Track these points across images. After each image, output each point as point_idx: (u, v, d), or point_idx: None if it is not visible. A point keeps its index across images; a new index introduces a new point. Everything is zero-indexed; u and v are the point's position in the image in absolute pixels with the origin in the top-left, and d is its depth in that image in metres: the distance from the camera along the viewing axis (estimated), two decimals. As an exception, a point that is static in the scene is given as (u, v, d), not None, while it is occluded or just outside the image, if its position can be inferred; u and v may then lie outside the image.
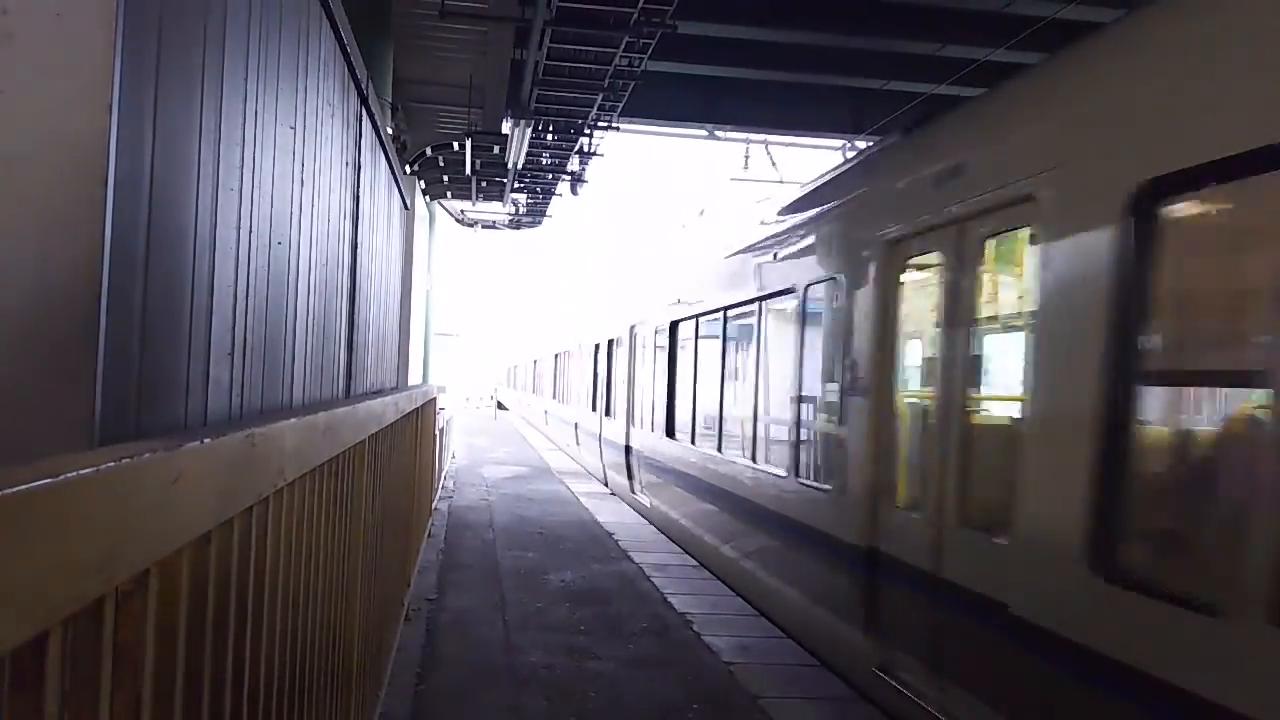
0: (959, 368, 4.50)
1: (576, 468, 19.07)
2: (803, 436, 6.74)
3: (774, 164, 20.23)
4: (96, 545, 1.01)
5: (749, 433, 8.17)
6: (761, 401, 7.89)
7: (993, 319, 4.56)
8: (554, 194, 21.56)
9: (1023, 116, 4.39)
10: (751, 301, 8.05)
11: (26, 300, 2.13)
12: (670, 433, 11.09)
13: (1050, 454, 3.70)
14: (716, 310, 9.28)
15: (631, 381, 14.01)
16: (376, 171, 8.34)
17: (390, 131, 10.58)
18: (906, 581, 4.78)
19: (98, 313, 2.21)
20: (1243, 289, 3.28)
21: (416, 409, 6.91)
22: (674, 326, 11.16)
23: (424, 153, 15.25)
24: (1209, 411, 3.52)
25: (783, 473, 6.95)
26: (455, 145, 15.25)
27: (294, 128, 4.45)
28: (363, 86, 6.97)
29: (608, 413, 15.75)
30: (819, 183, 7.25)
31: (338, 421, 2.79)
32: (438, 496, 12.62)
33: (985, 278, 4.49)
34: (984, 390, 4.58)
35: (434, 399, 10.17)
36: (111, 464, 1.03)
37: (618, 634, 6.68)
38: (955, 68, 14.39)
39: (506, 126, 14.70)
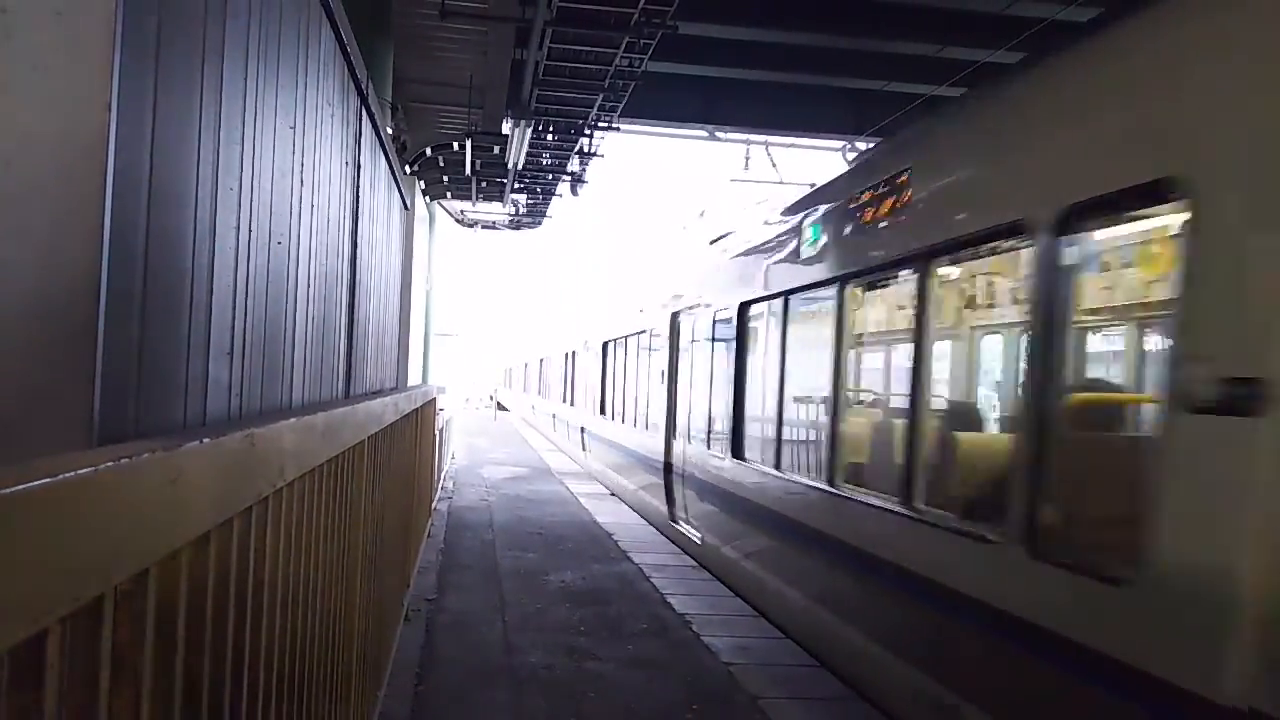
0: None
1: (576, 468, 19.06)
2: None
3: (774, 165, 20.24)
4: (95, 545, 1.01)
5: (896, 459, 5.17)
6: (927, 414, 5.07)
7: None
8: (554, 194, 21.56)
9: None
10: (896, 266, 5.37)
11: (26, 299, 2.13)
12: (738, 452, 8.09)
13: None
14: (827, 284, 6.25)
15: (675, 382, 10.76)
16: (376, 171, 8.34)
17: (390, 131, 10.58)
18: None
19: (97, 312, 2.20)
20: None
21: (416, 409, 6.91)
22: (743, 310, 8.17)
23: (424, 153, 15.25)
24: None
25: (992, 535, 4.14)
26: (455, 145, 15.25)
27: (294, 127, 4.45)
28: (363, 86, 6.97)
29: (646, 425, 12.34)
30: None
31: (337, 422, 2.79)
32: (437, 497, 12.61)
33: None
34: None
35: (434, 399, 10.17)
36: (110, 464, 1.03)
37: (617, 634, 6.67)
38: (955, 69, 14.40)
39: (507, 127, 14.70)
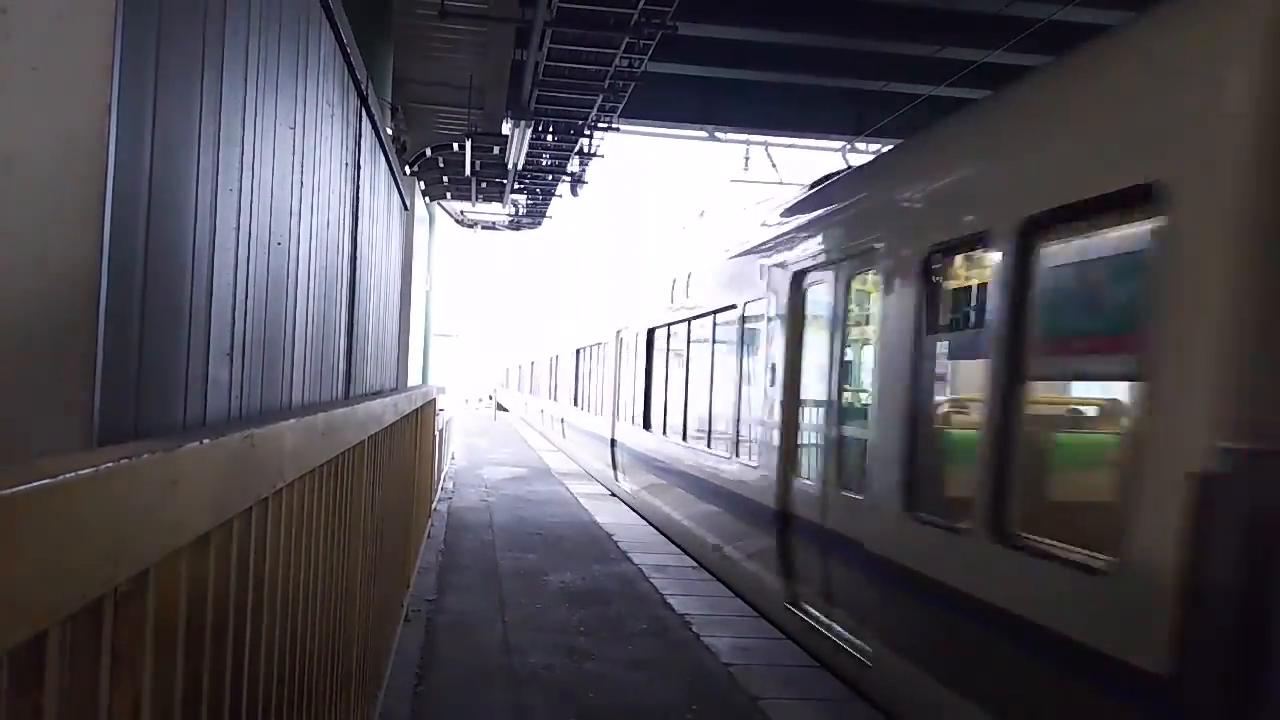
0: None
1: (576, 469, 19.05)
2: None
3: (774, 165, 20.25)
4: (95, 546, 1.01)
5: None
6: None
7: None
8: (554, 195, 21.56)
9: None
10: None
11: (25, 300, 2.13)
12: (647, 426, 12.57)
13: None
14: (679, 321, 10.49)
15: (618, 381, 14.28)
16: (376, 172, 8.34)
17: (390, 132, 10.58)
18: None
19: (96, 313, 2.20)
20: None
21: (416, 410, 6.91)
22: (651, 333, 11.28)
23: (424, 153, 15.26)
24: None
25: None
26: (455, 146, 15.25)
27: (293, 127, 4.45)
28: (362, 87, 6.97)
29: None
30: None
31: (337, 422, 2.79)
32: (437, 497, 12.61)
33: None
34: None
35: (434, 400, 10.17)
36: (110, 465, 1.03)
37: (617, 635, 6.67)
38: (954, 69, 14.41)
39: (506, 127, 14.71)
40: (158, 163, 2.60)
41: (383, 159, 8.92)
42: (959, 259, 4.90)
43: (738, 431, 8.37)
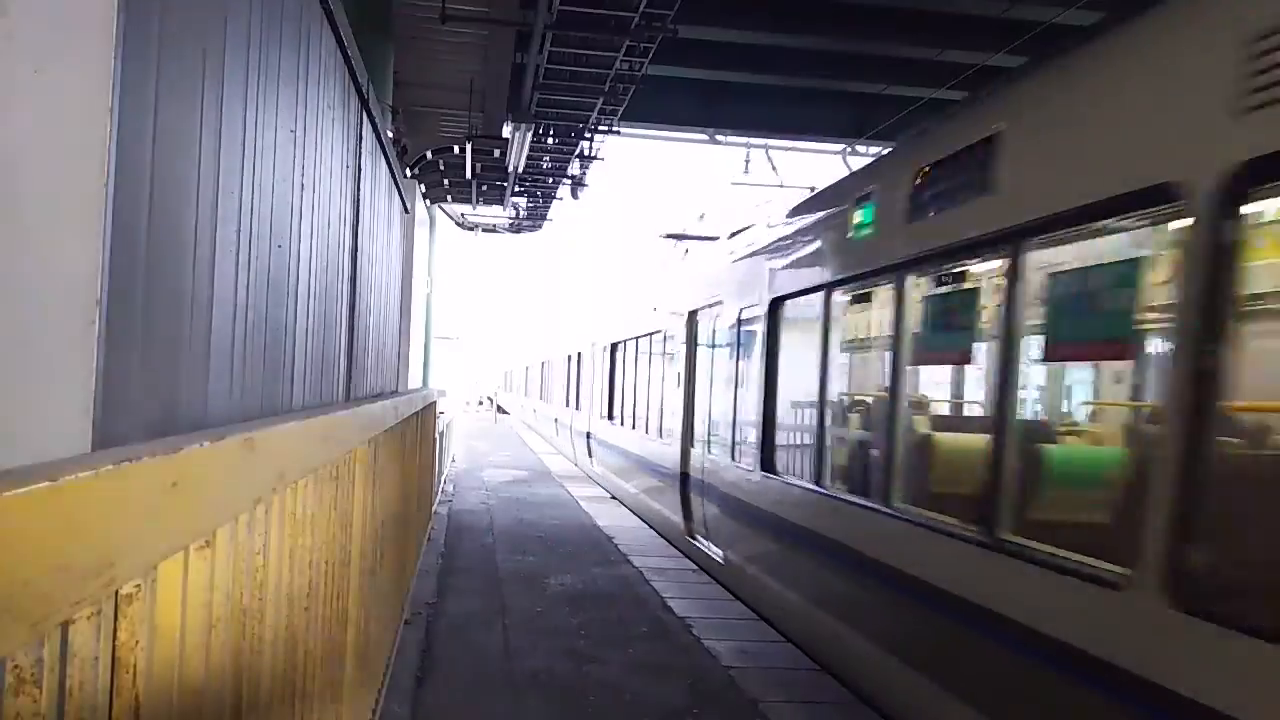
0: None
1: (576, 471, 19.04)
2: None
3: (774, 168, 20.26)
4: (95, 548, 1.01)
5: None
6: None
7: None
8: (554, 198, 21.55)
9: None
10: None
11: (25, 302, 2.12)
12: (610, 417, 16.60)
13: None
14: (620, 342, 16.76)
15: (583, 381, 20.26)
16: (377, 175, 8.34)
17: (390, 135, 10.58)
18: None
19: (96, 316, 2.20)
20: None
21: (416, 413, 6.90)
22: (613, 347, 16.54)
23: (424, 156, 15.26)
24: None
25: None
26: (455, 149, 15.25)
27: (294, 131, 4.45)
28: (363, 90, 6.97)
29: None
30: None
31: (337, 425, 2.79)
32: (437, 500, 12.60)
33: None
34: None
35: (434, 403, 10.16)
36: (110, 466, 1.03)
37: (618, 638, 6.67)
38: (955, 72, 14.42)
39: (507, 130, 14.70)
40: (158, 165, 2.60)
41: (383, 162, 8.92)
42: (755, 311, 7.86)
43: (661, 420, 11.75)
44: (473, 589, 8.01)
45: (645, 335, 13.12)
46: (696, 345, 10.07)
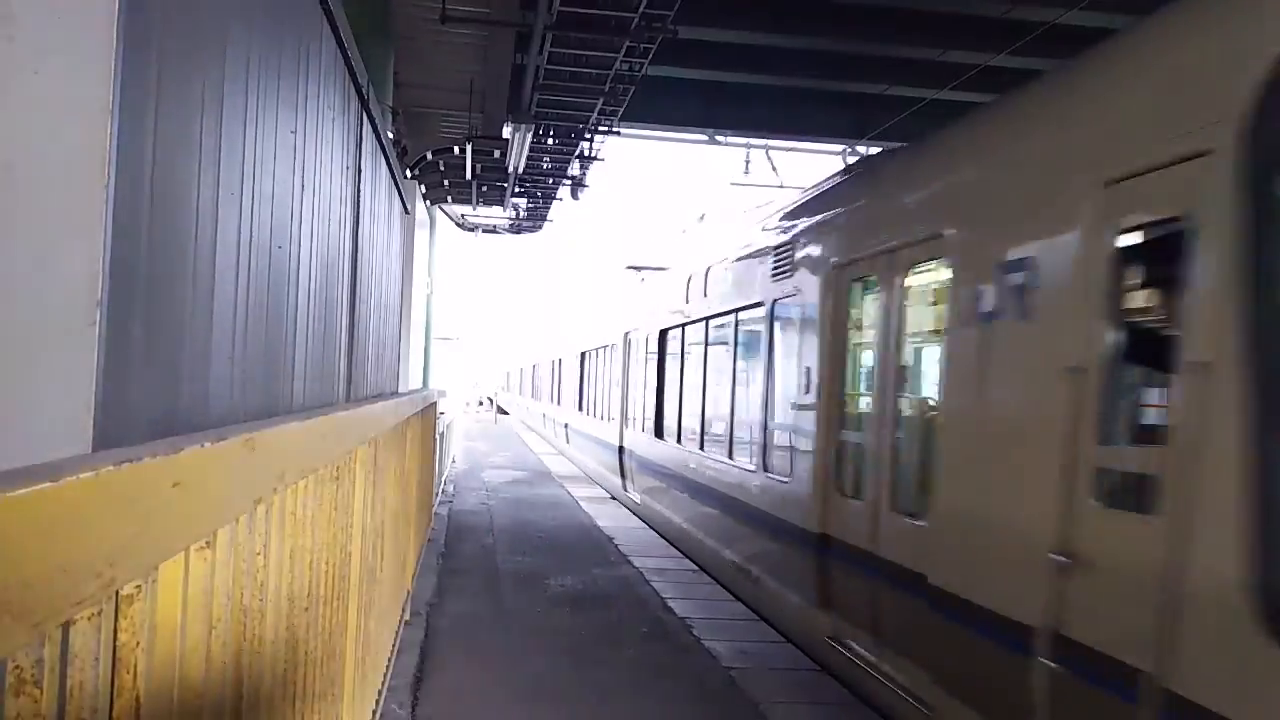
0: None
1: (576, 472, 19.03)
2: None
3: (775, 169, 20.26)
4: (96, 548, 1.01)
5: None
6: None
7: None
8: (555, 198, 21.55)
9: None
10: None
11: (26, 302, 2.13)
12: (581, 408, 21.22)
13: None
14: (564, 357, 26.49)
15: (558, 383, 27.50)
16: (377, 176, 8.35)
17: (391, 136, 10.59)
18: None
19: (97, 317, 2.20)
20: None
21: (417, 413, 6.90)
22: (583, 355, 21.76)
23: (424, 157, 15.26)
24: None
25: None
26: (456, 150, 15.25)
27: (294, 132, 4.46)
28: (364, 91, 6.98)
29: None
30: None
31: (338, 426, 2.79)
32: (437, 500, 12.60)
33: None
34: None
35: (434, 404, 10.17)
36: (111, 467, 1.03)
37: (618, 639, 6.67)
38: (957, 73, 14.41)
39: (507, 131, 14.70)
40: (159, 166, 2.60)
41: (383, 163, 8.92)
42: (651, 334, 12.28)
43: (608, 410, 15.86)
44: (473, 589, 8.01)
45: (602, 347, 17.23)
46: (628, 356, 14.25)
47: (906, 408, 5.30)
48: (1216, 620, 2.73)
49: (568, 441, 22.21)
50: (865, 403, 5.79)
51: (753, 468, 7.53)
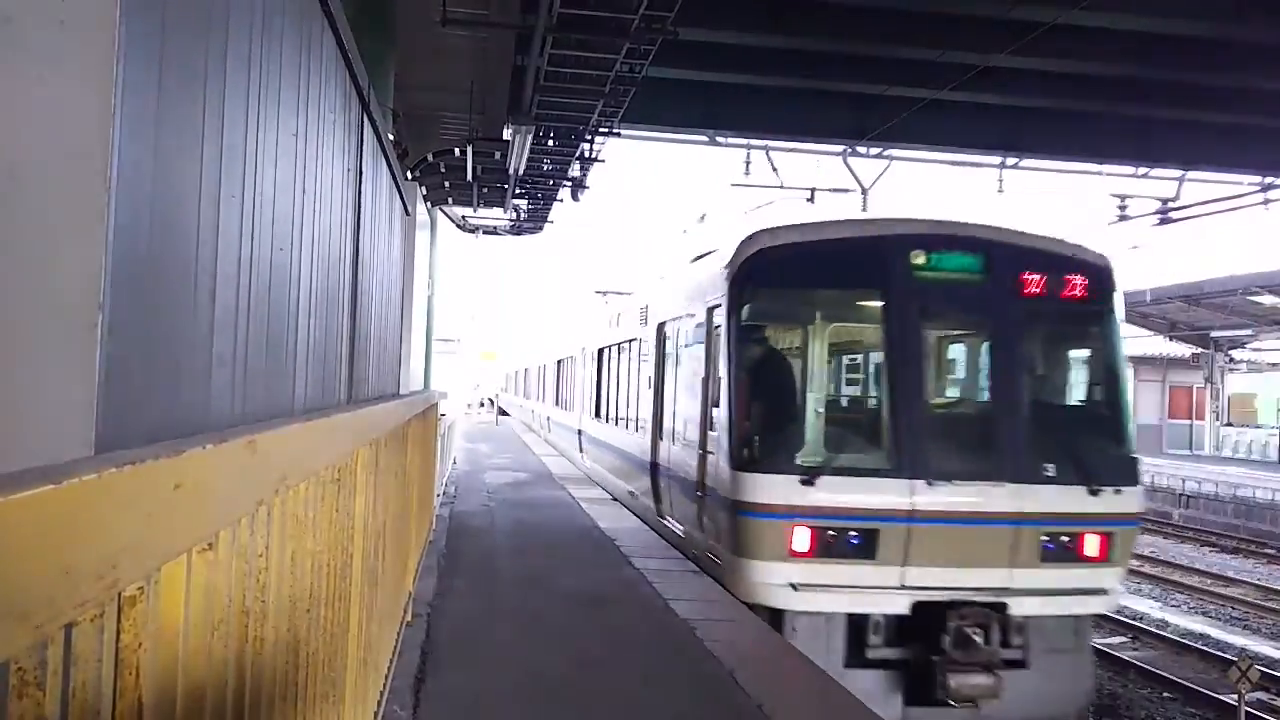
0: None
1: (578, 473, 19.06)
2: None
3: (775, 170, 20.27)
4: (98, 550, 1.01)
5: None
6: None
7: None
8: (555, 200, 21.57)
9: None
10: None
11: (27, 305, 2.13)
12: (559, 404, 25.99)
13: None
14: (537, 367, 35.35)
15: (541, 385, 33.54)
16: (378, 177, 8.36)
17: (391, 138, 10.60)
18: None
19: (99, 319, 2.21)
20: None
21: (418, 414, 6.91)
22: (560, 363, 26.26)
23: (425, 159, 15.27)
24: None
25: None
26: (456, 151, 15.26)
27: (295, 134, 4.46)
28: (364, 92, 6.98)
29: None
30: None
31: (339, 428, 2.79)
32: (439, 502, 12.60)
33: None
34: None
35: (435, 405, 10.16)
36: (113, 469, 1.03)
37: (621, 640, 6.67)
38: (957, 73, 14.40)
39: (507, 132, 14.71)
40: (160, 169, 2.61)
41: (384, 164, 8.93)
42: (591, 351, 18.55)
43: (571, 404, 21.71)
44: (474, 591, 8.01)
45: (568, 357, 22.89)
46: (585, 365, 19.37)
47: (670, 397, 10.87)
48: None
49: (549, 431, 28.60)
50: (668, 394, 10.99)
51: (633, 432, 13.03)
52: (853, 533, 7.52)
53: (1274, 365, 38.51)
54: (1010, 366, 8.25)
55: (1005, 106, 17.27)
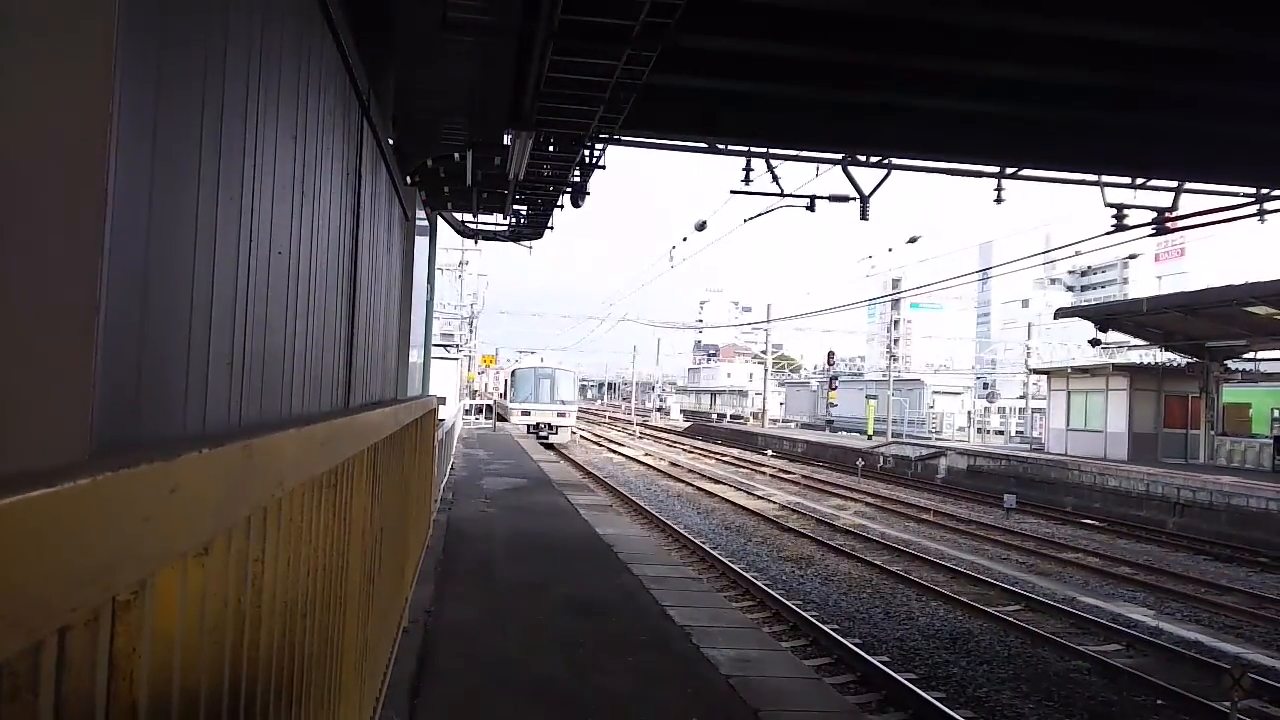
0: None
1: (576, 479, 19.03)
2: None
3: (775, 178, 20.29)
4: (93, 555, 1.00)
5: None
6: None
7: None
8: (555, 205, 21.57)
9: None
10: None
11: (24, 308, 2.12)
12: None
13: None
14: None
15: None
16: (377, 182, 8.36)
17: (391, 142, 10.60)
18: None
19: (95, 322, 2.20)
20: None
21: (416, 420, 6.89)
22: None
23: (425, 164, 15.27)
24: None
25: None
26: (456, 156, 15.26)
27: (295, 137, 4.46)
28: (364, 97, 6.99)
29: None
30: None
31: (336, 432, 2.78)
32: (436, 508, 12.58)
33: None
34: None
35: (433, 410, 10.15)
36: (109, 474, 1.02)
37: (618, 647, 6.65)
38: (957, 82, 14.42)
39: (507, 138, 14.73)
40: (159, 171, 2.60)
41: (384, 169, 8.94)
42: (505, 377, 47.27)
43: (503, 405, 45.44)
44: (472, 597, 7.99)
45: (510, 373, 43.09)
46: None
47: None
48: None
49: (508, 413, 44.30)
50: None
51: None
52: None
53: (1268, 376, 38.59)
54: None
55: (1005, 116, 17.30)
